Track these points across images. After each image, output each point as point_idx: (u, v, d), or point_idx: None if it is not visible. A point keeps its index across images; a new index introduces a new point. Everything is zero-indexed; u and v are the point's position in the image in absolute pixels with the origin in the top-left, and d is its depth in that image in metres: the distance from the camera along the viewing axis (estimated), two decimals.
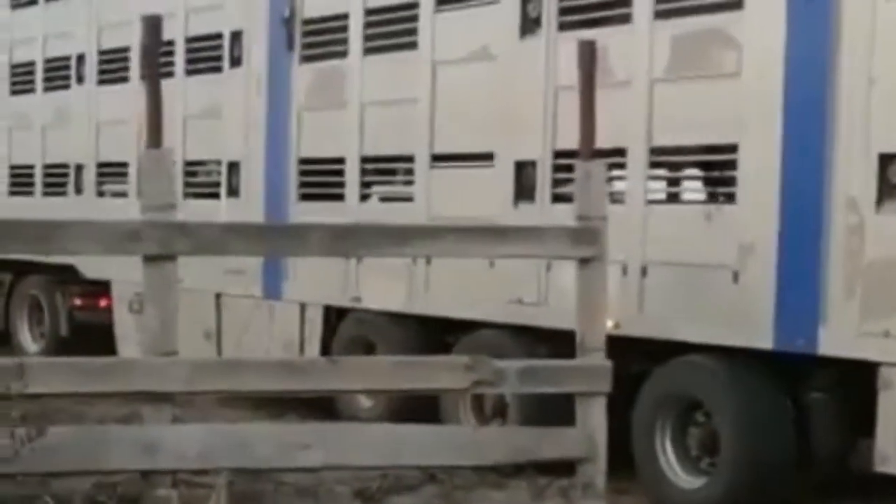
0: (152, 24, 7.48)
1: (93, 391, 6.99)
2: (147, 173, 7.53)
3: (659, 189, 10.32)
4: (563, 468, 8.30)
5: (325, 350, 12.38)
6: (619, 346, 8.76)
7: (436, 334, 11.42)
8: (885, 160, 8.29)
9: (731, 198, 9.31)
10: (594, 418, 8.03)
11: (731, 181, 9.29)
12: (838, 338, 8.53)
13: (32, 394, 6.48)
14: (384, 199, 12.42)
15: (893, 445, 8.34)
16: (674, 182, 10.43)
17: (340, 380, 7.79)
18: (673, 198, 10.41)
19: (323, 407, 11.24)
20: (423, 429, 8.31)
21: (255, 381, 7.56)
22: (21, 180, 17.16)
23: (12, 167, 17.37)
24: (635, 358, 9.51)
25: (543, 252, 8.82)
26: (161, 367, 7.29)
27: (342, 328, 12.43)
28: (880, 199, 8.32)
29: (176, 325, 7.49)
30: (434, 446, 7.89)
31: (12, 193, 17.34)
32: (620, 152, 9.67)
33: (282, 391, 7.72)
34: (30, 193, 16.91)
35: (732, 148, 9.16)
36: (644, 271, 9.62)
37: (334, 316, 12.49)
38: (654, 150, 9.76)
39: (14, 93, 17.37)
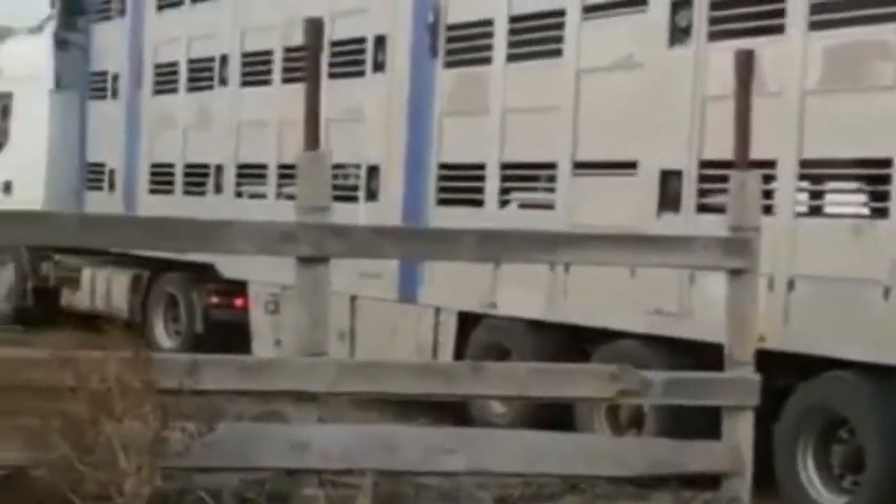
0: (314, 26, 7.53)
1: (251, 389, 7.05)
2: (304, 175, 7.59)
3: (808, 202, 10.19)
4: (705, 482, 8.21)
5: (458, 355, 12.39)
6: (762, 360, 8.65)
7: (572, 343, 11.37)
8: None
9: (883, 212, 9.15)
10: (741, 432, 7.94)
11: (883, 196, 9.12)
12: None
13: (201, 390, 6.56)
14: (523, 206, 12.40)
15: None
16: (824, 195, 10.28)
17: (484, 385, 7.77)
18: (822, 211, 10.27)
19: (454, 411, 11.23)
20: (566, 437, 8.28)
21: (399, 384, 7.57)
22: (161, 179, 17.41)
23: (153, 165, 17.64)
24: (779, 372, 9.38)
25: (692, 262, 8.74)
26: (308, 367, 7.33)
27: (476, 334, 12.42)
28: None
29: (326, 326, 7.54)
30: (576, 455, 7.84)
31: (152, 192, 17.60)
32: (770, 163, 9.55)
33: (426, 394, 7.72)
34: (169, 192, 17.15)
35: (886, 162, 9.01)
36: (791, 285, 9.49)
37: (468, 321, 12.50)
38: (805, 163, 9.63)
39: (157, 93, 17.62)
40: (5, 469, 6.56)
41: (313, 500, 7.14)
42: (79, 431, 5.96)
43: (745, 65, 8.28)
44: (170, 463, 6.32)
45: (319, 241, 7.41)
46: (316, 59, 7.53)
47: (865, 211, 9.80)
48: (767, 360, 8.93)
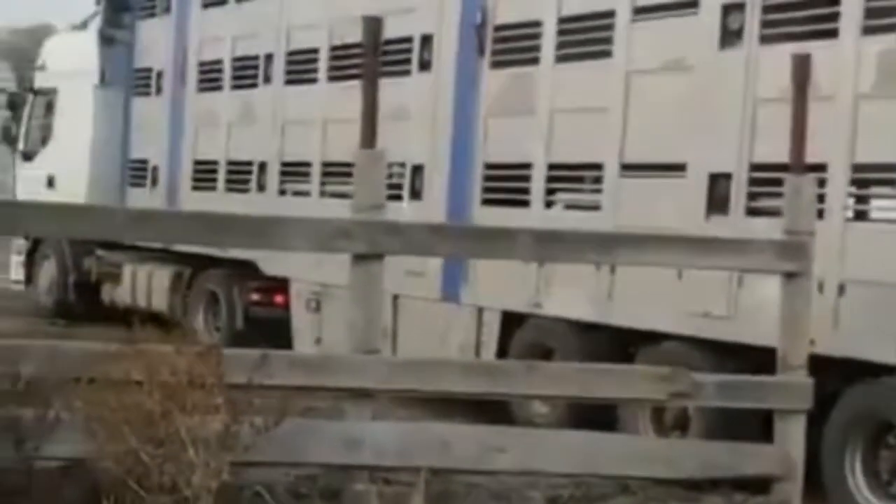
0: (373, 25, 7.55)
1: (314, 385, 7.07)
2: (360, 173, 7.60)
3: (859, 206, 10.17)
4: (755, 485, 8.19)
5: (501, 355, 12.39)
6: (811, 364, 8.63)
7: (617, 344, 11.37)
8: None
9: None
10: (793, 436, 7.91)
11: None
12: None
13: (270, 385, 6.60)
14: (569, 207, 12.39)
15: None
16: (875, 200, 10.25)
17: (538, 385, 7.77)
18: (874, 216, 10.23)
19: (495, 412, 11.23)
20: (617, 438, 8.29)
21: (454, 382, 7.58)
22: (204, 176, 17.48)
23: (196, 162, 17.70)
24: (828, 377, 9.34)
25: (746, 265, 8.72)
26: (363, 365, 7.36)
27: (520, 334, 12.43)
28: None
29: (379, 323, 7.56)
30: (628, 457, 7.82)
31: (195, 188, 17.66)
32: (821, 167, 9.52)
33: (479, 394, 7.72)
34: (212, 189, 17.21)
35: None
36: (841, 289, 9.48)
37: (512, 321, 12.51)
38: (856, 167, 9.61)
39: (201, 90, 17.69)
40: (73, 460, 6.61)
41: (365, 495, 7.16)
42: (149, 424, 6.01)
43: (802, 68, 8.24)
44: (237, 457, 6.35)
45: (374, 239, 7.42)
46: (374, 58, 7.55)
47: None
48: (816, 365, 8.91)
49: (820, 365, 8.82)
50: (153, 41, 18.95)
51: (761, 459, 7.99)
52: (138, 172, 19.12)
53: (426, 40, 13.69)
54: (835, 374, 9.43)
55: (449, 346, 13.00)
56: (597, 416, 10.33)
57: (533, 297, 12.09)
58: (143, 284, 18.16)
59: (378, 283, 7.48)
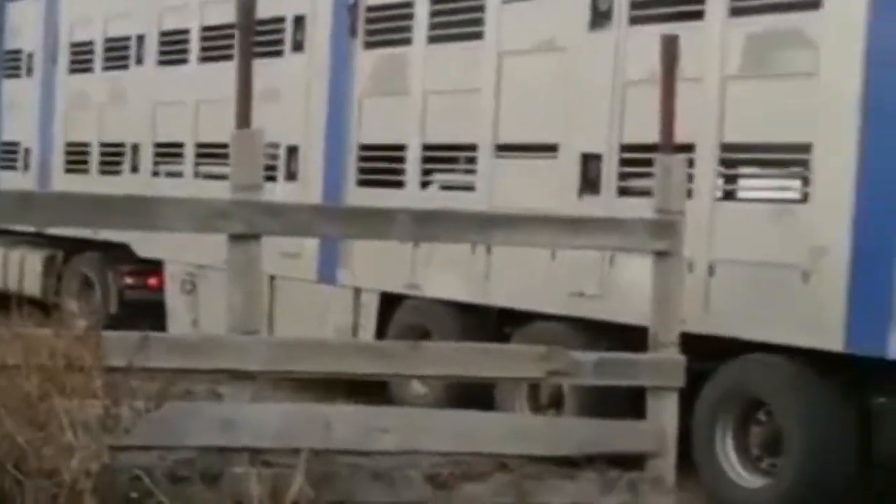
0: (246, 4, 7.54)
1: (192, 367, 7.06)
2: (236, 153, 7.60)
3: (728, 186, 10.36)
4: (630, 461, 8.33)
5: (380, 337, 12.44)
6: (682, 343, 8.78)
7: (493, 324, 11.50)
8: None
9: (803, 198, 9.33)
10: (666, 413, 8.05)
11: (803, 181, 9.31)
12: None
13: (149, 368, 6.57)
14: (444, 188, 12.47)
15: None
16: (744, 180, 10.45)
17: (421, 364, 7.84)
18: (743, 195, 10.43)
19: (376, 393, 11.28)
20: (497, 417, 8.39)
21: (335, 363, 7.61)
22: (77, 158, 17.29)
23: (68, 144, 17.50)
24: (700, 355, 9.49)
25: (618, 244, 8.84)
26: (244, 346, 7.36)
27: (398, 315, 12.48)
28: None
29: (259, 304, 7.57)
30: (506, 435, 7.92)
31: (68, 171, 17.46)
32: (690, 148, 9.66)
33: (364, 374, 7.76)
34: (85, 171, 17.03)
35: (806, 147, 9.17)
36: (711, 269, 9.65)
37: (389, 302, 12.56)
38: (725, 147, 9.78)
39: (73, 71, 17.47)
40: None
41: (245, 477, 7.15)
42: (27, 407, 5.96)
43: (670, 50, 8.38)
44: (117, 441, 6.32)
45: (251, 219, 7.42)
46: (248, 38, 7.55)
47: (785, 196, 9.95)
48: (688, 343, 9.08)
49: (692, 343, 9.00)
50: (23, 22, 18.68)
51: (636, 436, 8.13)
52: (10, 155, 18.85)
53: (299, 21, 13.67)
54: (706, 352, 9.57)
55: (326, 327, 13.01)
56: (474, 395, 10.43)
57: (410, 279, 12.16)
58: (15, 269, 17.89)
59: (256, 264, 7.49)
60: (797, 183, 9.50)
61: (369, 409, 7.94)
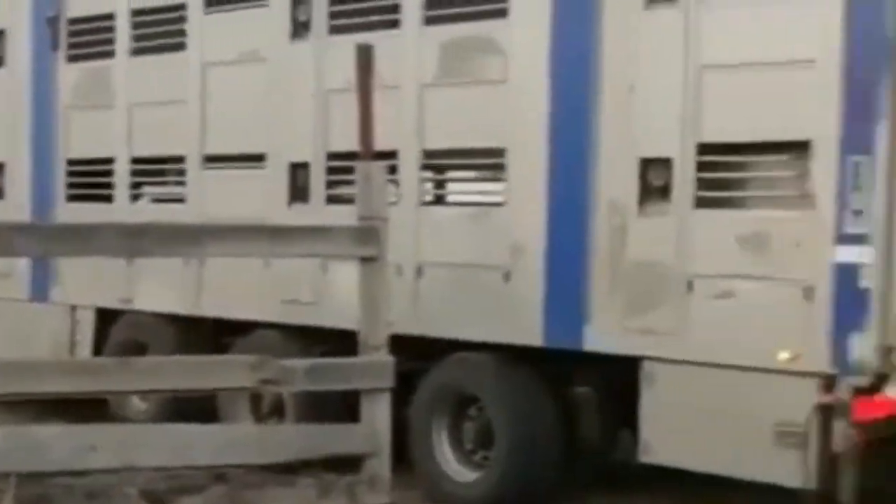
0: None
1: None
2: None
3: (433, 191, 10.63)
4: (348, 464, 8.50)
5: (98, 353, 12.36)
6: (395, 345, 8.99)
7: (211, 335, 11.55)
8: (646, 164, 8.71)
9: (502, 200, 9.63)
10: (379, 414, 8.20)
11: (501, 184, 9.63)
12: (602, 334, 8.92)
13: None
14: (156, 201, 12.45)
15: (655, 436, 8.76)
16: (446, 184, 10.72)
17: (132, 380, 7.81)
18: (445, 200, 10.70)
19: (99, 413, 11.21)
20: (212, 428, 8.41)
21: (45, 382, 7.51)
22: None
23: None
24: (413, 356, 9.71)
25: (326, 251, 8.96)
26: None
27: (114, 331, 12.40)
28: (641, 202, 8.73)
29: None
30: (223, 446, 7.94)
31: None
32: (393, 154, 9.89)
33: (73, 393, 7.68)
34: None
35: (500, 152, 9.48)
36: (419, 271, 9.91)
37: (107, 318, 12.49)
38: (427, 153, 10.02)
39: None
40: None
41: None
42: None
43: (365, 58, 8.56)
44: None
45: None
46: None
47: (486, 199, 10.27)
48: (401, 345, 9.31)
49: (405, 344, 9.24)
50: None
51: (351, 438, 8.26)
52: None
53: (0, 35, 13.44)
54: (421, 352, 9.84)
55: (42, 347, 12.84)
56: (196, 407, 10.46)
57: (123, 293, 12.10)
58: None
59: None
60: (496, 186, 9.78)
61: (82, 428, 7.84)
